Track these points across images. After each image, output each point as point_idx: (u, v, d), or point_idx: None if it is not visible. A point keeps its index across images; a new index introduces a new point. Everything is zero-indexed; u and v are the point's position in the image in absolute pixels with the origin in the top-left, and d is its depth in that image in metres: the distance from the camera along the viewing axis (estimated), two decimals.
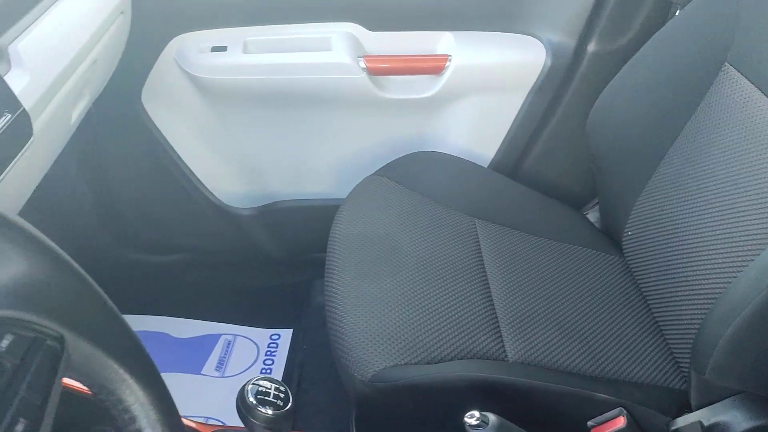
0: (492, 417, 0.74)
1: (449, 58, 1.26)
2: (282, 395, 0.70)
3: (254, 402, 0.69)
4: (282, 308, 1.53)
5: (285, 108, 1.32)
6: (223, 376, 1.37)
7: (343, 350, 0.92)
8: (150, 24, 1.22)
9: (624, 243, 1.13)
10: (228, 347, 1.43)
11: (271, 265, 1.59)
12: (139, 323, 1.46)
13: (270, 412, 0.69)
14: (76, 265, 0.39)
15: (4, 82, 0.70)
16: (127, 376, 0.40)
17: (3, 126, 0.67)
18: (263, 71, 1.25)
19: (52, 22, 0.87)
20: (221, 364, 1.40)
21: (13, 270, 0.36)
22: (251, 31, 1.27)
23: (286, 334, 1.47)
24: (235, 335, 1.44)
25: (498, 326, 0.96)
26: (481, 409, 0.74)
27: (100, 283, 0.40)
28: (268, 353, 1.41)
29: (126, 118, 1.35)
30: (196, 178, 1.42)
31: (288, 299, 1.55)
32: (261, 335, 1.46)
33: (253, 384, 0.70)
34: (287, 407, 0.70)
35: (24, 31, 0.83)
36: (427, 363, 0.89)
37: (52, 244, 0.38)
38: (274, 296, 1.57)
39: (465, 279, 1.03)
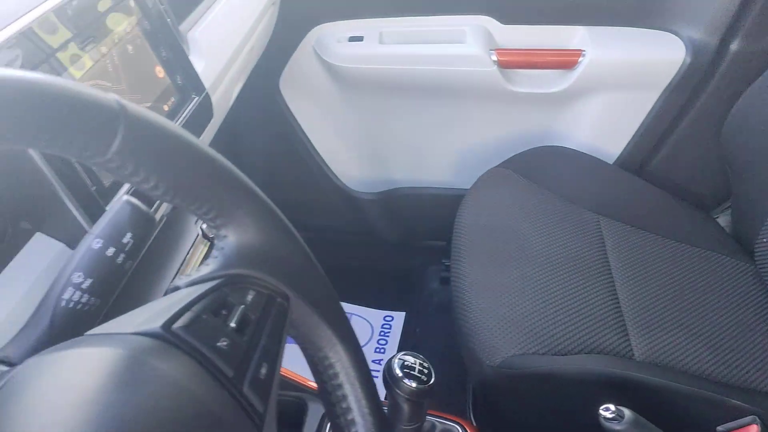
0: (627, 412, 0.75)
1: (582, 53, 1.25)
2: (426, 371, 0.74)
3: (400, 374, 0.73)
4: (395, 291, 1.59)
5: (414, 97, 1.36)
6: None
7: (471, 335, 0.95)
8: (294, 14, 1.29)
9: (756, 250, 1.09)
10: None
11: (386, 249, 1.64)
12: None
13: (414, 385, 0.73)
14: (299, 237, 0.44)
15: (192, 66, 0.77)
16: (334, 338, 0.45)
17: (192, 107, 0.75)
18: (397, 61, 1.29)
19: (221, 11, 0.95)
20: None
21: (254, 237, 0.41)
22: (387, 22, 1.31)
23: (399, 317, 1.52)
24: (351, 314, 1.50)
25: (624, 324, 0.96)
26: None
27: None
28: (382, 334, 1.47)
29: (263, 103, 1.43)
30: (324, 162, 1.49)
31: (401, 283, 1.60)
32: (375, 316, 1.51)
33: (399, 358, 0.75)
34: (431, 381, 0.73)
35: (199, 19, 0.91)
36: (554, 354, 0.91)
37: (283, 217, 0.43)
38: (388, 279, 1.62)
39: (590, 275, 1.03)
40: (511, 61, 1.28)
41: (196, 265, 0.72)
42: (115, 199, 0.62)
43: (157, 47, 0.71)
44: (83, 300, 0.42)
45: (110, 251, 0.44)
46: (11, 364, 0.41)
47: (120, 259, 0.44)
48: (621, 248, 1.10)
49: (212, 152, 0.39)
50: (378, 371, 1.44)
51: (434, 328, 1.46)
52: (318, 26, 1.32)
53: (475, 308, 0.98)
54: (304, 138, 1.45)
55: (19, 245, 0.57)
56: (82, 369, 0.32)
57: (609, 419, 0.74)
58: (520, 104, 1.33)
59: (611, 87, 1.28)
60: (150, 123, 0.35)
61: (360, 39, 1.31)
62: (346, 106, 1.41)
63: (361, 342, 1.47)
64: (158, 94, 0.70)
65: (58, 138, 0.31)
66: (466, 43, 1.27)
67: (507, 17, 1.28)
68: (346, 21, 1.32)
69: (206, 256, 0.77)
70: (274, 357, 0.40)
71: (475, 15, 1.28)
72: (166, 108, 0.72)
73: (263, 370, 0.38)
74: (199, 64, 0.85)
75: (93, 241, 0.44)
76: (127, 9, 0.68)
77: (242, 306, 0.39)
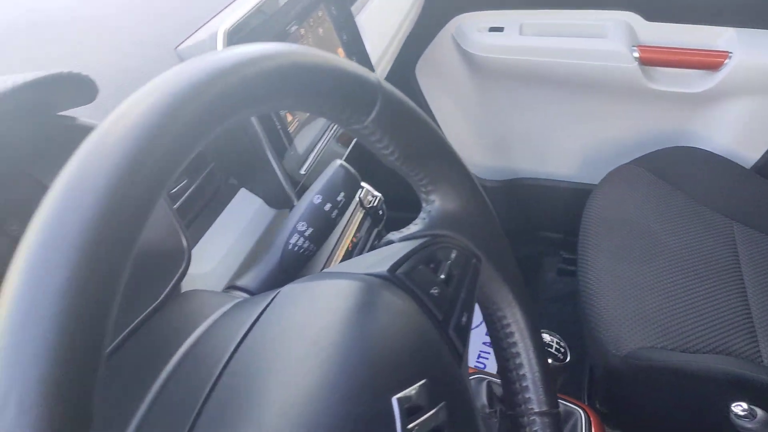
0: (759, 411, 0.76)
1: (729, 54, 1.23)
2: (562, 349, 0.78)
3: None
4: None
5: (548, 89, 1.39)
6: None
7: (598, 325, 0.98)
8: (438, 3, 1.35)
9: None
10: None
11: None
12: None
13: (550, 362, 0.77)
14: (492, 207, 0.50)
15: (365, 50, 0.84)
16: (513, 300, 0.50)
17: None
18: (535, 53, 1.32)
19: None
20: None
21: (456, 204, 0.47)
22: (528, 14, 1.34)
23: None
24: None
25: (754, 329, 0.96)
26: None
27: None
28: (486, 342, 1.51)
29: (398, 87, 1.49)
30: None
31: None
32: None
33: None
34: (566, 360, 0.78)
35: (364, 6, 0.98)
36: (682, 351, 0.92)
37: (481, 190, 0.49)
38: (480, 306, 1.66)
39: (720, 277, 1.03)
40: (654, 59, 1.28)
41: (352, 231, 0.80)
42: (306, 163, 0.70)
43: (340, 31, 0.79)
44: (305, 245, 0.50)
45: (327, 206, 0.51)
46: (250, 292, 0.49)
47: (333, 213, 0.51)
48: (754, 256, 1.08)
49: (437, 130, 0.45)
50: (488, 353, 1.49)
51: (549, 317, 1.49)
52: (460, 15, 1.37)
53: (602, 300, 1.00)
54: (434, 123, 1.51)
55: (227, 200, 0.66)
56: (332, 294, 0.40)
57: (741, 417, 0.76)
58: (656, 102, 1.33)
59: (757, 91, 1.25)
60: (398, 99, 0.41)
61: (500, 30, 1.34)
62: (478, 95, 1.45)
63: (474, 324, 1.53)
64: None
65: (331, 105, 0.38)
66: (607, 38, 1.28)
67: (651, 14, 1.27)
68: (487, 11, 1.36)
69: (362, 223, 0.84)
70: (471, 308, 0.45)
71: (618, 11, 1.29)
72: None
73: (464, 319, 0.44)
74: (367, 46, 0.93)
75: (314, 197, 0.51)
76: None
77: (448, 262, 0.45)
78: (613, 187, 1.23)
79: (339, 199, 0.51)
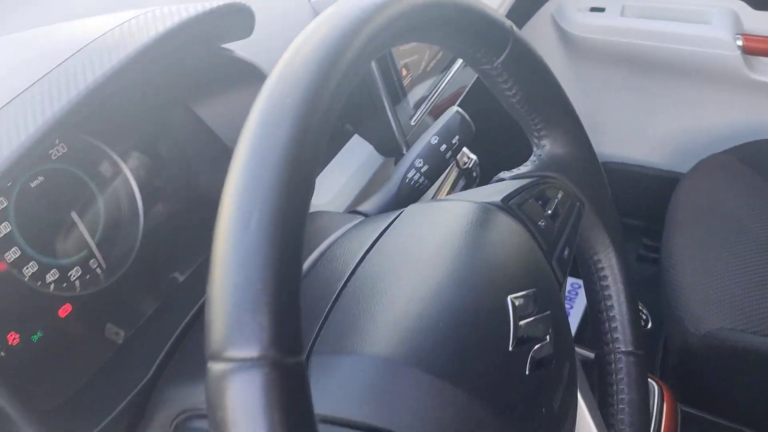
0: None
1: None
2: (644, 316, 0.81)
3: None
4: None
5: (644, 73, 1.38)
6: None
7: (678, 304, 0.99)
8: None
9: None
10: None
11: None
12: None
13: None
14: (598, 159, 0.54)
15: None
16: (610, 246, 0.54)
17: None
18: (636, 36, 1.32)
19: None
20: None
21: (565, 150, 0.51)
22: None
23: None
24: None
25: None
26: None
27: None
28: (568, 298, 1.53)
29: None
30: None
31: None
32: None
33: None
34: (647, 327, 0.80)
35: None
36: (763, 335, 0.93)
37: (589, 141, 0.53)
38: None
39: None
40: (759, 48, 1.25)
41: (446, 190, 0.84)
42: (416, 116, 0.75)
43: None
44: (420, 180, 0.55)
45: (442, 147, 0.56)
46: (366, 216, 0.55)
47: (448, 154, 0.56)
48: None
49: (557, 82, 0.49)
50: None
51: None
52: None
53: (684, 280, 1.01)
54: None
55: (341, 144, 0.72)
56: (452, 213, 0.45)
57: None
58: (755, 93, 1.30)
59: None
60: (527, 46, 0.46)
61: (602, 10, 1.35)
62: (573, 75, 1.46)
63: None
64: None
65: (465, 41, 0.42)
66: (710, 24, 1.27)
67: (759, 2, 1.25)
68: None
69: (456, 183, 0.89)
70: (572, 245, 0.50)
71: None
72: None
73: (566, 252, 0.49)
74: None
75: (432, 137, 0.56)
76: None
77: (555, 200, 0.50)
78: (704, 176, 1.22)
79: (454, 141, 0.56)
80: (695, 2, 1.30)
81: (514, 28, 0.45)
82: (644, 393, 0.54)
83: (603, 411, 0.54)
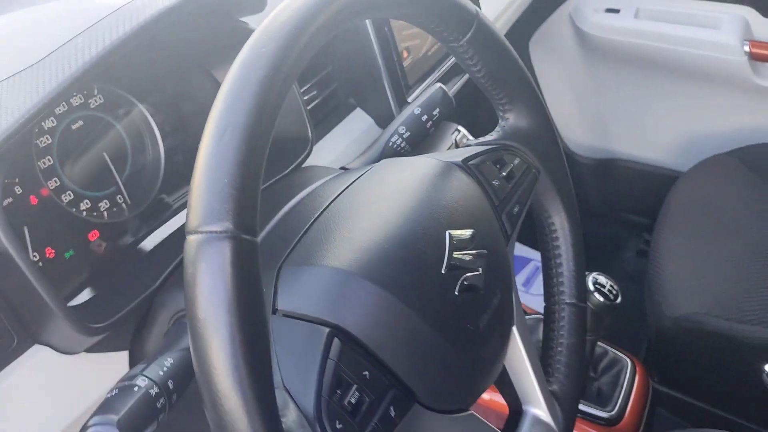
0: None
1: None
2: (614, 291, 0.88)
3: (592, 288, 0.88)
4: (589, 253, 1.68)
5: (654, 74, 1.44)
6: (527, 292, 1.60)
7: (657, 288, 1.05)
8: None
9: None
10: (536, 271, 1.64)
11: (589, 213, 1.75)
12: None
13: (602, 299, 0.87)
14: (557, 133, 0.61)
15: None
16: (562, 210, 0.62)
17: None
18: (648, 37, 1.37)
19: None
20: (528, 283, 1.63)
21: (526, 123, 0.59)
22: None
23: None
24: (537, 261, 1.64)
25: None
26: None
27: None
28: None
29: None
30: (552, 119, 1.62)
31: (596, 247, 1.70)
32: None
33: (594, 275, 0.89)
34: (616, 301, 0.87)
35: None
36: (735, 321, 0.98)
37: (550, 117, 0.60)
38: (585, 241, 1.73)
39: None
40: (766, 55, 1.30)
41: None
42: (413, 94, 0.84)
43: None
44: (402, 145, 0.64)
45: (424, 117, 0.64)
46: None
47: (428, 124, 0.65)
48: None
49: (520, 62, 0.57)
50: None
51: (622, 293, 1.55)
52: None
53: (666, 269, 1.07)
54: (540, 94, 1.60)
55: (345, 115, 0.81)
56: (415, 167, 0.53)
57: None
58: (761, 98, 1.35)
59: None
60: (491, 30, 0.54)
61: (617, 11, 1.41)
62: (586, 73, 1.52)
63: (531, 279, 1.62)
64: None
65: (432, 20, 0.50)
66: (720, 29, 1.31)
67: None
68: None
69: None
70: (523, 203, 0.58)
71: (735, 4, 1.32)
72: None
73: (516, 209, 0.57)
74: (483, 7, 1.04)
75: (415, 108, 0.65)
76: None
77: (512, 165, 0.57)
78: (703, 175, 1.27)
79: (434, 113, 0.64)
80: (707, 8, 1.35)
81: (480, 13, 0.53)
82: (581, 339, 0.61)
83: (544, 354, 0.62)
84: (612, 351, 1.05)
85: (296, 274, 0.44)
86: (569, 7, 1.46)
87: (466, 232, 0.48)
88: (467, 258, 0.47)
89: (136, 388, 0.39)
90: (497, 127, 0.60)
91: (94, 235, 0.61)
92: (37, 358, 0.50)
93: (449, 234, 0.47)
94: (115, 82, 0.63)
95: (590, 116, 1.60)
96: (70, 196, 0.59)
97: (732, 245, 1.10)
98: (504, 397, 0.57)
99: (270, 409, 0.33)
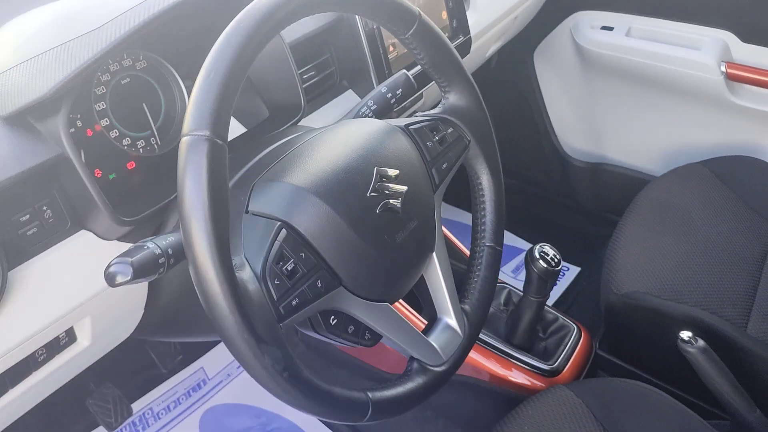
0: (701, 342, 0.96)
1: None
2: (556, 260, 1.04)
3: (537, 256, 1.04)
4: (578, 250, 1.82)
5: (641, 88, 1.59)
6: (516, 278, 1.76)
7: (611, 269, 1.20)
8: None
9: None
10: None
11: (580, 212, 1.90)
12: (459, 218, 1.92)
13: (545, 266, 1.03)
14: (488, 113, 0.78)
15: (465, 16, 1.14)
16: (488, 173, 0.79)
17: (457, 43, 1.12)
18: (636, 54, 1.52)
19: None
20: (517, 270, 1.78)
21: (462, 102, 0.76)
22: (638, 19, 1.54)
23: (573, 270, 1.78)
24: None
25: (752, 304, 1.11)
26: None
27: None
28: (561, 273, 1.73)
29: (516, 66, 1.76)
30: (551, 124, 1.78)
31: (585, 244, 1.84)
32: None
33: (540, 245, 1.06)
34: (557, 268, 1.03)
35: None
36: (674, 301, 1.11)
37: (481, 99, 0.78)
38: (575, 237, 1.87)
39: (739, 266, 1.18)
40: (741, 76, 1.43)
41: None
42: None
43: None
44: (369, 114, 0.82)
45: (389, 95, 0.83)
46: None
47: (392, 101, 0.83)
48: None
49: (457, 54, 0.75)
50: None
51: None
52: (578, 12, 1.61)
53: (620, 253, 1.22)
54: (541, 101, 1.76)
55: (338, 94, 0.99)
56: (365, 126, 0.71)
57: (684, 341, 0.96)
58: (735, 114, 1.48)
59: None
60: (431, 27, 0.71)
61: (611, 29, 1.56)
62: (583, 84, 1.68)
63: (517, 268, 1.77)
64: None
65: (381, 17, 0.68)
66: (701, 50, 1.45)
67: (747, 36, 1.43)
68: (602, 12, 1.58)
69: None
70: (452, 163, 0.75)
71: (716, 28, 1.46)
72: None
73: (444, 166, 0.74)
74: (472, 17, 1.22)
75: (382, 87, 0.83)
76: None
77: (445, 132, 0.75)
78: (674, 179, 1.41)
79: (398, 92, 0.82)
80: (691, 30, 1.49)
81: (422, 14, 0.70)
82: (494, 274, 0.78)
83: (464, 283, 0.78)
84: (562, 318, 1.20)
85: (264, 188, 0.63)
86: (570, 23, 1.63)
87: (393, 171, 0.66)
88: (389, 188, 0.65)
89: (146, 248, 0.58)
90: (439, 104, 0.77)
91: (131, 165, 0.81)
92: (83, 239, 0.70)
93: (377, 169, 0.65)
94: (157, 51, 0.83)
95: (584, 123, 1.75)
96: (116, 133, 0.79)
97: (683, 241, 1.24)
98: (426, 308, 0.75)
99: (227, 262, 0.52)
